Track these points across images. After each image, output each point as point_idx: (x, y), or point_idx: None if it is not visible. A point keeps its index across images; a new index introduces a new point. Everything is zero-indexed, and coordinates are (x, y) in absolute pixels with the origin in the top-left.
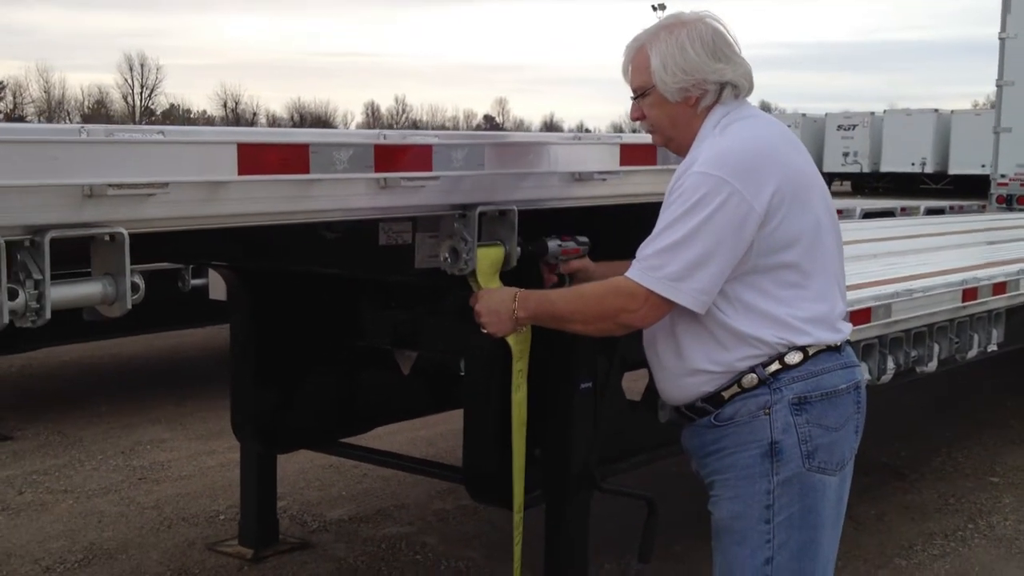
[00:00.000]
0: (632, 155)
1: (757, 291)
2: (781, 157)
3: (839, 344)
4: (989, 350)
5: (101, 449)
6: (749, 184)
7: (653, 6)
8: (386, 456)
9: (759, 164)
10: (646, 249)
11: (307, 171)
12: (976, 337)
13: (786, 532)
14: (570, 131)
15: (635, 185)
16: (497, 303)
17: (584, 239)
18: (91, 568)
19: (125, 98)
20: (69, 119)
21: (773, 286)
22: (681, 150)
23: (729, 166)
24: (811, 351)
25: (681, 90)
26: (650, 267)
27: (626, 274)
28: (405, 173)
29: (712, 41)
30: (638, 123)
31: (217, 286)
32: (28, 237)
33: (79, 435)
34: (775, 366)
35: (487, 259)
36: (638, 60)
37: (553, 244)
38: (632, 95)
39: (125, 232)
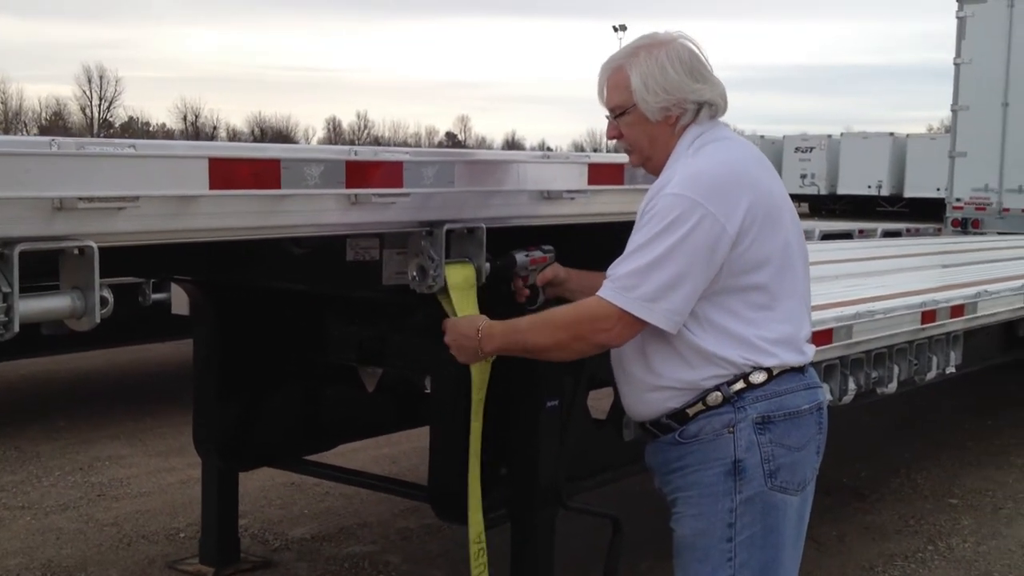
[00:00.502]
0: (600, 174)
1: (726, 311)
2: (753, 179)
3: (803, 365)
4: (947, 372)
5: (59, 465)
6: (722, 206)
7: (614, 27)
8: (349, 474)
9: (731, 186)
10: (618, 268)
11: (278, 186)
12: (935, 359)
13: (748, 551)
14: (532, 149)
15: (603, 204)
16: (461, 337)
17: (549, 247)
18: None
19: (83, 110)
20: (26, 130)
21: (742, 307)
22: (657, 170)
23: (702, 188)
24: (775, 371)
25: (662, 109)
26: (624, 287)
27: (599, 294)
28: (376, 189)
29: (689, 61)
30: (614, 142)
31: (180, 300)
32: None
33: (36, 450)
34: (739, 385)
35: (459, 276)
36: (616, 79)
37: (521, 256)
38: (609, 114)
39: (95, 246)
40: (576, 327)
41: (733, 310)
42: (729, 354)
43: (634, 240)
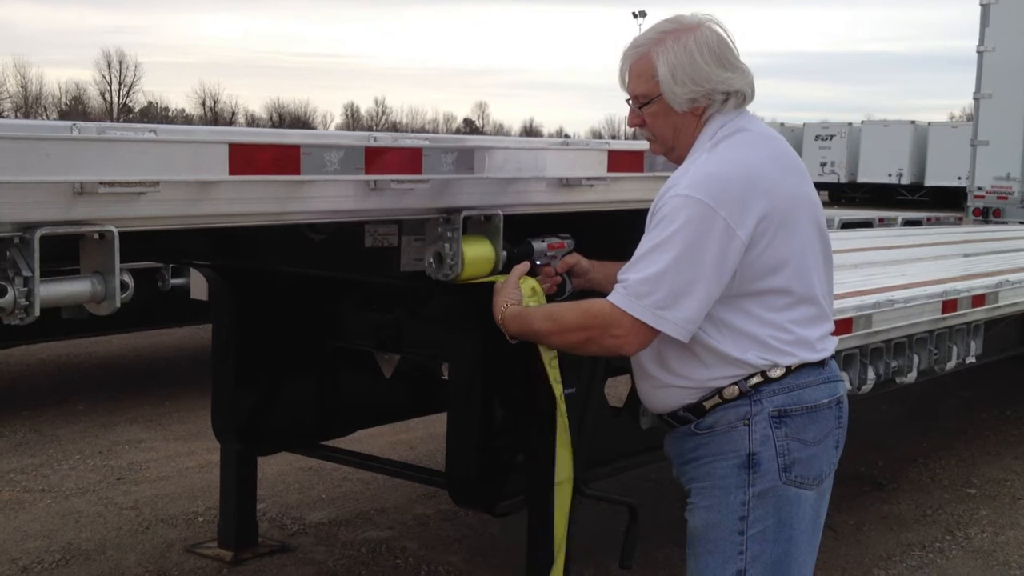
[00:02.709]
0: (620, 161)
1: (743, 314)
2: (768, 182)
3: (822, 360)
4: (968, 362)
5: (78, 448)
6: (734, 211)
7: (634, 13)
8: (367, 459)
9: (744, 190)
10: (629, 274)
11: (298, 172)
12: (955, 349)
13: (760, 545)
14: (550, 136)
15: (622, 191)
16: (493, 308)
17: (565, 235)
18: (69, 568)
19: (103, 95)
20: (46, 115)
21: (760, 309)
22: (680, 160)
23: (714, 191)
24: (793, 366)
25: (690, 100)
26: (636, 295)
27: (610, 299)
28: (395, 176)
29: (718, 48)
30: (636, 130)
31: (199, 286)
32: (18, 234)
33: (56, 434)
34: (757, 379)
35: (475, 251)
36: (640, 66)
37: (538, 243)
38: (632, 102)
39: (115, 230)
40: (588, 331)
41: (750, 312)
42: (747, 356)
43: (645, 243)
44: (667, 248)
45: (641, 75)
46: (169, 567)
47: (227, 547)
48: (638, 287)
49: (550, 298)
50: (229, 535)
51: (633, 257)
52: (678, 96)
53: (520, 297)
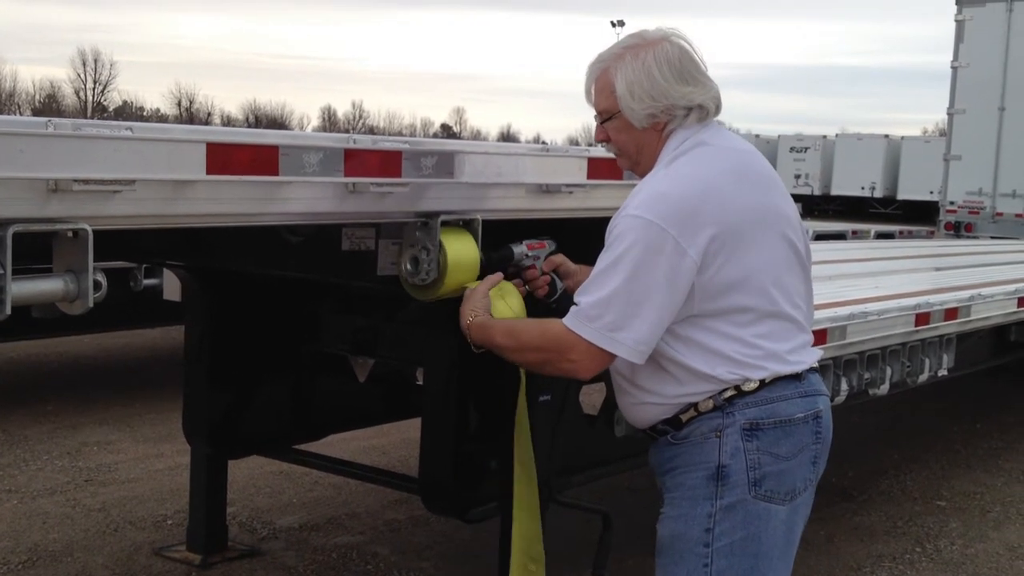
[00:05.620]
0: (599, 169)
1: (708, 331)
2: (722, 200)
3: (798, 372)
4: (940, 375)
5: (46, 449)
6: (684, 230)
7: (612, 22)
8: (339, 464)
9: (695, 209)
10: (582, 297)
11: (276, 173)
12: (927, 361)
13: (727, 559)
14: (527, 143)
15: (601, 199)
16: (461, 315)
17: (545, 237)
18: (35, 570)
19: (77, 93)
20: (19, 112)
21: (725, 326)
22: (646, 174)
23: (663, 210)
24: (767, 379)
25: (649, 116)
26: (588, 317)
27: (564, 320)
28: (374, 178)
29: (679, 62)
30: (602, 144)
31: (172, 287)
32: None
33: (24, 434)
34: (730, 392)
35: (458, 245)
36: (602, 82)
37: (518, 247)
38: (597, 117)
39: (89, 228)
40: (545, 353)
41: (715, 329)
42: (717, 372)
43: (599, 264)
44: (617, 270)
45: (602, 91)
46: (137, 570)
47: (196, 550)
48: (589, 310)
49: (543, 299)
50: (198, 538)
51: (587, 279)
52: (636, 112)
53: (488, 306)
